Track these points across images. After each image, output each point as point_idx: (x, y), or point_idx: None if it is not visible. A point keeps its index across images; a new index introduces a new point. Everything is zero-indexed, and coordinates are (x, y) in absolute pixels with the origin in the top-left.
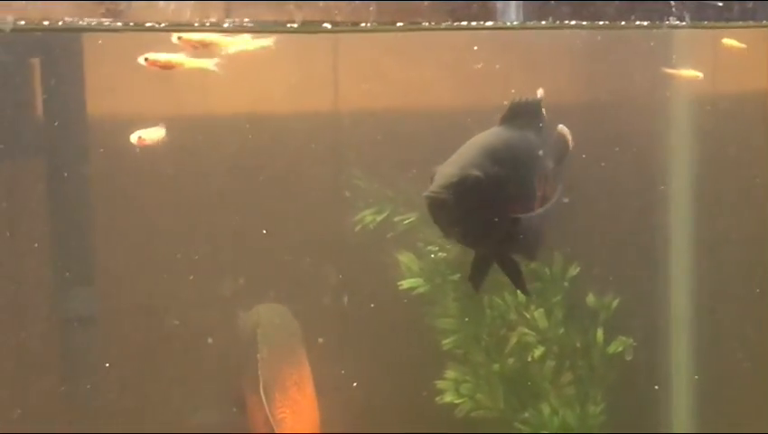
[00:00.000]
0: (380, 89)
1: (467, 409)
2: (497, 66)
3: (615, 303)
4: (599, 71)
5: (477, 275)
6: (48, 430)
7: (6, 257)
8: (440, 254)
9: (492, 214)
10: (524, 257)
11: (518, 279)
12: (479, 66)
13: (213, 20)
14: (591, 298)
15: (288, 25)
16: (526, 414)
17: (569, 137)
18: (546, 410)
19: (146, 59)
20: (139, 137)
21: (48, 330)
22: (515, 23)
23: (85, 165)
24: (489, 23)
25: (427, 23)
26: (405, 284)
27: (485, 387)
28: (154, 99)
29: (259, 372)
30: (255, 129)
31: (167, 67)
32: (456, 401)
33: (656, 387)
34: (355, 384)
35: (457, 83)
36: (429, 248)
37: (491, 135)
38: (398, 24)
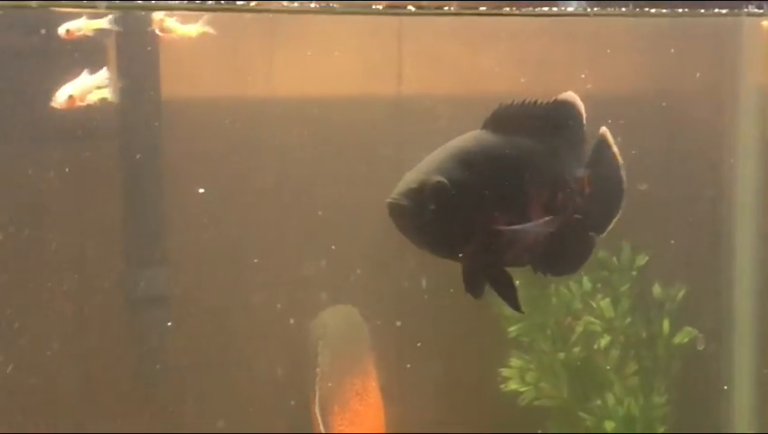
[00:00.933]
0: (444, 75)
1: (530, 397)
2: (561, 53)
3: (681, 294)
4: (666, 61)
5: (471, 285)
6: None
7: (77, 238)
8: None
9: (464, 224)
10: (548, 271)
11: (505, 294)
12: (542, 53)
13: None
14: (657, 289)
15: (373, 6)
16: (590, 404)
17: (610, 141)
18: (610, 399)
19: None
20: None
21: (116, 312)
22: (582, 9)
23: (156, 146)
24: (553, 9)
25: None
26: None
27: (549, 376)
28: (219, 82)
29: (316, 387)
30: (320, 114)
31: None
32: (521, 390)
33: (721, 382)
34: (414, 369)
35: (520, 70)
36: None
37: (469, 139)
38: (481, 9)
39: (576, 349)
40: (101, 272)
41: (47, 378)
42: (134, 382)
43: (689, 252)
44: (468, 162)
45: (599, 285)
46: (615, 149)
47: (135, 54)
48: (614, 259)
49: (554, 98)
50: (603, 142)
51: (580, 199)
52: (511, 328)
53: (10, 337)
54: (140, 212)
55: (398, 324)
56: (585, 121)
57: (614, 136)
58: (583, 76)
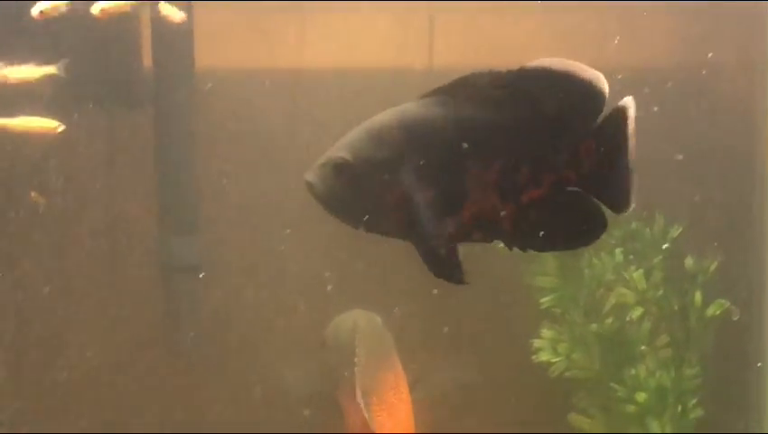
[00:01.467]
0: (476, 46)
1: (562, 368)
2: (593, 25)
3: (714, 266)
4: (701, 35)
5: (434, 267)
6: None
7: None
8: None
9: (381, 200)
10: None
11: (435, 269)
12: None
13: None
14: (690, 261)
15: None
16: (621, 375)
17: (626, 113)
18: (642, 371)
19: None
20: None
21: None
22: None
23: (189, 116)
24: None
25: None
26: None
27: (581, 347)
28: (250, 52)
29: (357, 379)
30: (351, 85)
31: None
32: (552, 361)
33: (753, 354)
34: (446, 339)
35: (552, 42)
36: None
37: (397, 112)
38: None
39: (609, 320)
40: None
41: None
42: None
43: (722, 224)
44: (389, 135)
45: (632, 256)
46: (631, 122)
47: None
48: (647, 230)
49: (526, 66)
50: (617, 113)
51: (574, 172)
52: (544, 300)
53: None
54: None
55: (435, 291)
56: (592, 91)
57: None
58: (615, 45)
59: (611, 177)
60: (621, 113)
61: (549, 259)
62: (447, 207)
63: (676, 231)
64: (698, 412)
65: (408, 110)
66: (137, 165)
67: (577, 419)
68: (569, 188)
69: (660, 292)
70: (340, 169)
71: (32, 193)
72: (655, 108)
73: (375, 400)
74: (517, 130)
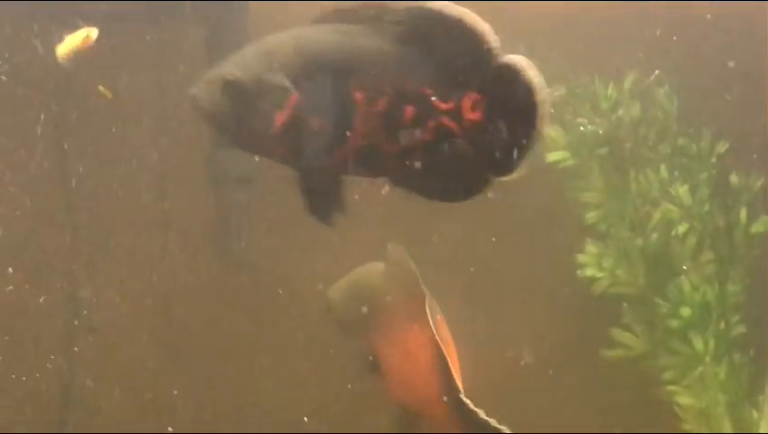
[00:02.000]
0: None
1: (606, 283)
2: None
3: (759, 183)
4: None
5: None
6: None
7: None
8: (589, 127)
9: (266, 123)
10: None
11: (311, 202)
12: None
13: None
14: (734, 178)
15: None
16: (666, 290)
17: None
18: (686, 286)
19: None
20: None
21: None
22: None
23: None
24: None
25: None
26: (551, 157)
27: (626, 262)
28: None
29: (426, 296)
30: None
31: None
32: (597, 276)
33: None
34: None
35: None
36: (578, 120)
37: (292, 35)
38: None
39: (654, 236)
40: None
41: None
42: None
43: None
44: (281, 57)
45: (677, 172)
46: (532, 78)
47: None
48: (693, 145)
49: (424, 6)
50: (511, 68)
51: (456, 123)
52: (589, 215)
53: None
54: None
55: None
56: (480, 41)
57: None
58: None
59: (495, 138)
60: (510, 71)
61: (595, 175)
62: (333, 137)
63: (723, 147)
64: (741, 329)
65: (303, 34)
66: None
67: (621, 335)
68: (452, 139)
69: (706, 208)
70: (229, 86)
71: (100, 87)
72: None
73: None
74: (407, 68)
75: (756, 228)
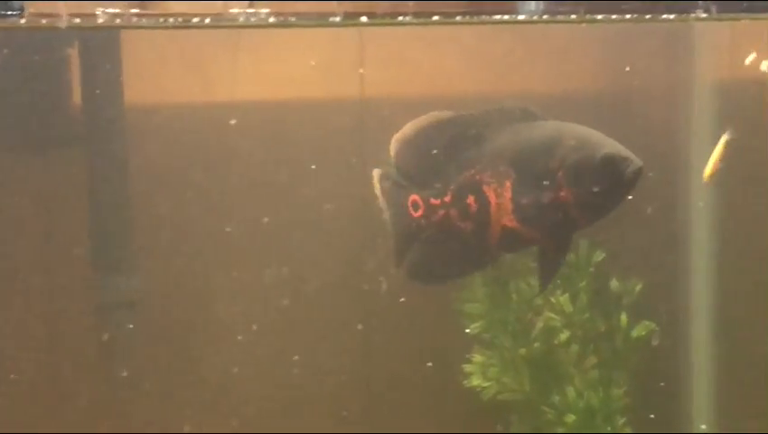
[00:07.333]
0: (407, 78)
1: (493, 392)
2: (519, 56)
3: (638, 288)
4: (619, 62)
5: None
6: None
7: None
8: None
9: None
10: None
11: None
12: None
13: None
14: (615, 283)
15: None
16: (551, 397)
17: None
18: (570, 393)
19: None
20: None
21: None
22: (535, 17)
23: (121, 152)
24: (507, 17)
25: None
26: None
27: (511, 371)
28: (184, 87)
29: None
30: (284, 116)
31: None
32: (483, 385)
33: (679, 373)
34: (379, 368)
35: (480, 72)
36: None
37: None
38: (435, 19)
39: (537, 344)
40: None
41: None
42: None
43: (646, 247)
44: None
45: (558, 281)
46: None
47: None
48: (572, 255)
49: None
50: None
51: None
52: (473, 325)
53: None
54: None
55: (359, 327)
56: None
57: None
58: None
59: None
60: None
61: (477, 286)
62: None
63: (599, 256)
64: (627, 430)
65: None
66: (70, 205)
67: None
68: None
69: (587, 315)
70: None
71: None
72: None
73: None
74: None
75: (637, 332)
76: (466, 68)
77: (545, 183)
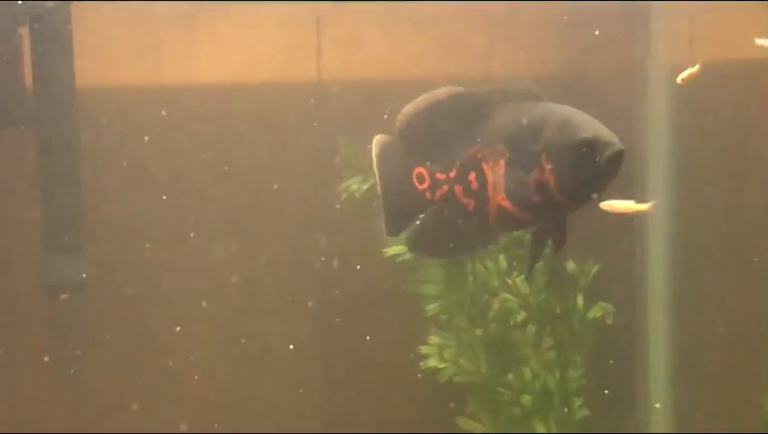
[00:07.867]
0: (364, 60)
1: (450, 373)
2: (479, 38)
3: (595, 269)
4: (577, 44)
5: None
6: None
7: None
8: None
9: None
10: None
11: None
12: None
13: None
14: (571, 265)
15: None
16: (507, 378)
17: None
18: (527, 374)
19: None
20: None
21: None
22: None
23: (73, 134)
24: None
25: None
26: (389, 251)
27: (468, 352)
28: (139, 69)
29: None
30: (240, 99)
31: None
32: (440, 366)
33: (636, 354)
34: (334, 350)
35: (440, 54)
36: None
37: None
38: None
39: (494, 325)
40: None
41: None
42: None
43: (603, 228)
44: None
45: (515, 262)
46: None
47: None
48: (528, 236)
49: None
50: None
51: None
52: (430, 307)
53: None
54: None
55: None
56: None
57: None
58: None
59: None
60: None
61: (434, 267)
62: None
63: None
64: (584, 412)
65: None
66: (20, 184)
67: (466, 423)
68: None
69: (543, 296)
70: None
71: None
72: None
73: None
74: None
75: (593, 313)
76: (424, 52)
77: (532, 164)
